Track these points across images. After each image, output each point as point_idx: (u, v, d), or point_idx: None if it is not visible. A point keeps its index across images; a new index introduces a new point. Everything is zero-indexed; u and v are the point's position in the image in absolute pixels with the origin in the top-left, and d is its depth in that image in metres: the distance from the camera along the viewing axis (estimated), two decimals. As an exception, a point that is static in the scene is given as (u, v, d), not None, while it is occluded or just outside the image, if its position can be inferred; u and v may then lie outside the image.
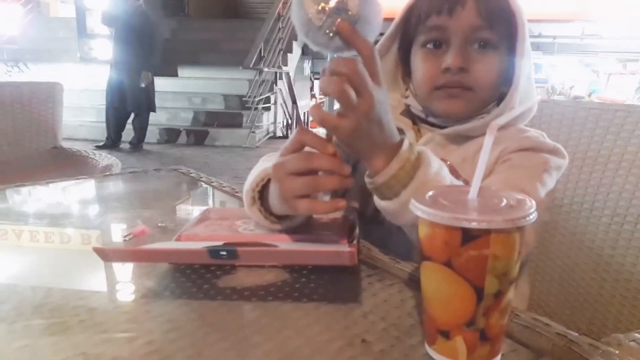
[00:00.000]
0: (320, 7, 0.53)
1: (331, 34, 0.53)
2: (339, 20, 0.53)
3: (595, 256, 1.02)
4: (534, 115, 0.85)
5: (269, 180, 0.66)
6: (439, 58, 0.75)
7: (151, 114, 6.08)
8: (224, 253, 0.52)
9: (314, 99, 12.02)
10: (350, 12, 0.53)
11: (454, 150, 0.78)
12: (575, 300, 1.05)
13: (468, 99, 0.75)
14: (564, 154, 0.75)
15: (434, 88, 0.76)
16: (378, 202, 0.62)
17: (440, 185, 0.59)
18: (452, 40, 0.73)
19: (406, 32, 0.81)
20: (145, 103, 5.89)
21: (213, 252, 0.52)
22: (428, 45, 0.76)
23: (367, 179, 0.61)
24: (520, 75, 0.74)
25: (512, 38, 0.74)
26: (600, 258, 1.01)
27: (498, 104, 0.78)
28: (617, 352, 0.44)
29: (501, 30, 0.73)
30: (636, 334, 0.56)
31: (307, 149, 0.58)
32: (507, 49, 0.75)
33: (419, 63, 0.78)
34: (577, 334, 0.47)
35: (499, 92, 0.78)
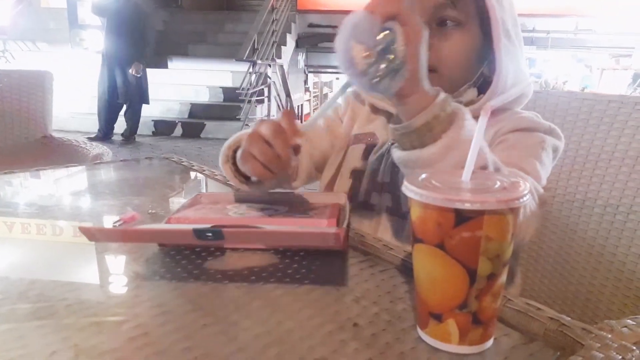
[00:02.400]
0: (367, 54, 0.51)
1: (375, 80, 0.52)
2: (383, 66, 0.52)
3: (588, 246, 1.02)
4: (527, 106, 0.85)
5: None
6: None
7: (145, 105, 6.04)
8: (210, 234, 0.52)
9: (307, 93, 11.98)
10: (397, 59, 0.52)
11: None
12: (568, 290, 1.06)
13: (432, 81, 0.74)
14: (559, 134, 0.75)
15: None
16: (407, 154, 0.59)
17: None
18: None
19: None
20: (137, 95, 5.84)
21: (198, 232, 0.51)
22: None
23: (395, 127, 0.59)
24: (502, 59, 0.72)
25: (484, 20, 0.72)
26: (592, 248, 1.02)
27: (478, 88, 0.77)
28: (609, 335, 0.44)
29: (468, 9, 0.72)
30: (628, 320, 0.56)
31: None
32: (477, 30, 0.73)
33: None
34: (569, 319, 0.47)
35: (471, 75, 0.76)
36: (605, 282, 0.98)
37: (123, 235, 0.58)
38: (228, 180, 0.98)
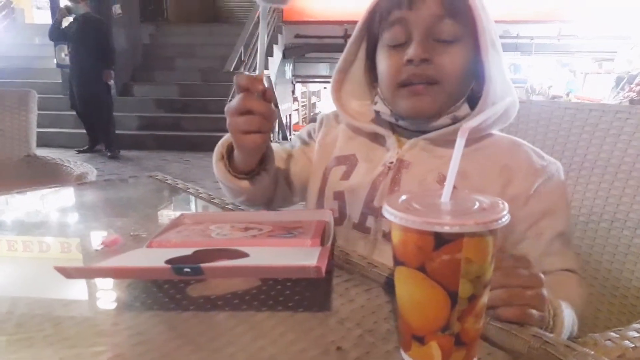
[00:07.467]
0: None
1: None
2: None
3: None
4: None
5: None
6: (402, 53, 0.74)
7: (132, 120, 6.01)
8: (188, 270, 0.51)
9: (295, 102, 12.00)
10: None
11: (441, 155, 0.76)
12: (555, 299, 1.06)
13: (434, 94, 0.74)
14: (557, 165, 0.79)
15: (398, 85, 0.75)
16: None
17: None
18: (414, 33, 0.73)
19: (371, 33, 0.80)
20: (98, 106, 5.71)
21: (177, 269, 0.50)
22: (391, 43, 0.76)
23: None
24: (490, 69, 0.72)
25: (474, 33, 0.73)
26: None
27: (470, 103, 0.77)
28: (592, 352, 0.44)
29: (462, 22, 0.72)
30: (612, 333, 0.56)
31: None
32: (471, 44, 0.74)
33: (383, 61, 0.77)
34: (552, 335, 0.47)
35: (466, 88, 0.76)
36: (591, 291, 0.99)
37: (99, 273, 0.57)
38: (212, 199, 0.97)
